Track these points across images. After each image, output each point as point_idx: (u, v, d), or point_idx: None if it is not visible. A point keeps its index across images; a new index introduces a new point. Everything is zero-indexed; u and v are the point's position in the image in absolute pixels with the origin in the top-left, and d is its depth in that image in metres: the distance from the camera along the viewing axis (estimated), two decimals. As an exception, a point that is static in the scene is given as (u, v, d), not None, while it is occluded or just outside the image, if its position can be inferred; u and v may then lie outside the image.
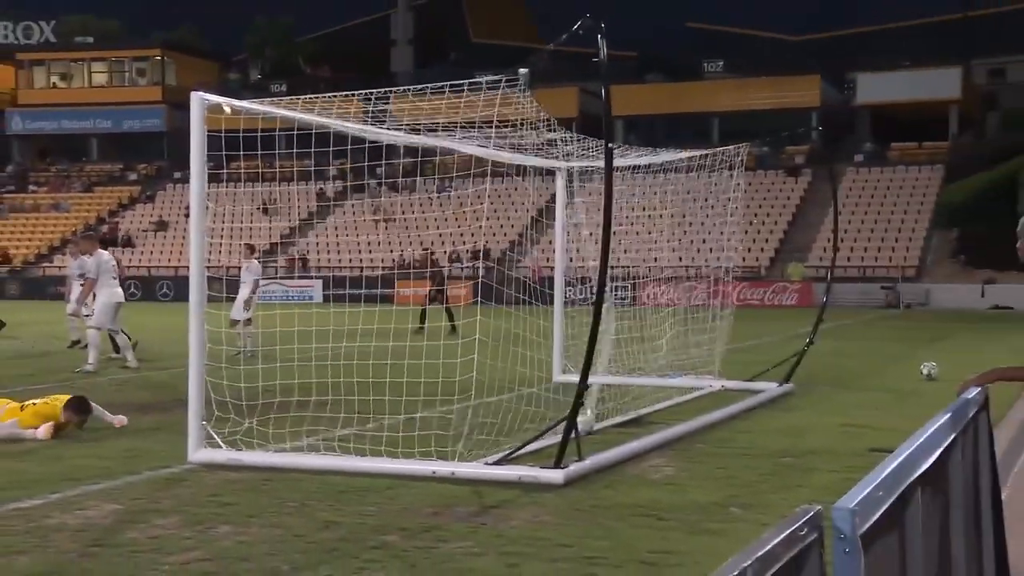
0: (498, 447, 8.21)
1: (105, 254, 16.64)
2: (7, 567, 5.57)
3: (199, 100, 8.54)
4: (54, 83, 66.32)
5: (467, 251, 23.58)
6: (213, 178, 8.73)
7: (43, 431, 9.47)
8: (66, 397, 9.97)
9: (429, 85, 9.26)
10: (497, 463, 7.81)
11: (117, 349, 16.95)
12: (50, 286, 44.08)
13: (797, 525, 2.56)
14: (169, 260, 49.06)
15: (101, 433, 9.81)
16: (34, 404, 9.80)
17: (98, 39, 69.32)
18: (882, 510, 2.75)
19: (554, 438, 8.08)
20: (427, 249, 24.57)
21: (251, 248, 18.34)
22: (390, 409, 10.07)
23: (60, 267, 39.90)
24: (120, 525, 6.48)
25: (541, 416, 9.32)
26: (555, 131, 10.92)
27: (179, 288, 42.69)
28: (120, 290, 16.43)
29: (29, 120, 65.28)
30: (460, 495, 7.23)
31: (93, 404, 10.08)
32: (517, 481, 7.49)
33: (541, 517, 6.66)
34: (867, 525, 2.63)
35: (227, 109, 8.90)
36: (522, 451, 7.96)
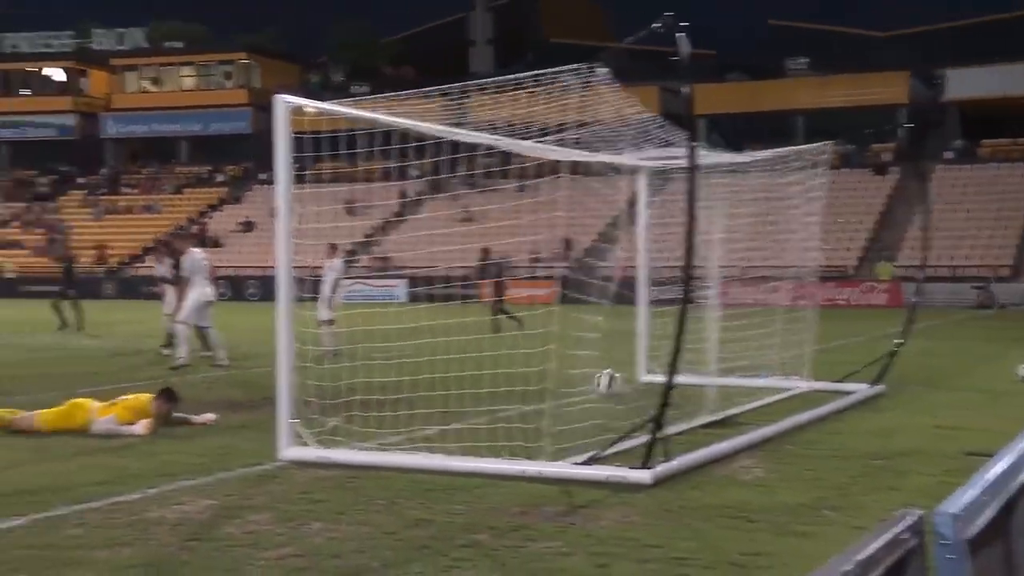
0: (585, 447, 8.21)
1: (198, 253, 17.05)
2: (112, 558, 5.74)
3: (282, 103, 8.69)
4: (145, 87, 67.99)
5: (547, 250, 23.60)
6: (298, 179, 8.87)
7: (141, 427, 9.73)
8: (148, 395, 10.22)
9: (510, 77, 9.30)
10: (585, 463, 7.81)
11: (208, 347, 17.31)
12: (143, 286, 45.15)
13: (899, 529, 2.51)
14: (256, 260, 49.88)
15: (194, 430, 10.04)
16: (122, 400, 10.07)
17: (186, 44, 70.84)
18: (987, 516, 2.69)
19: (641, 439, 8.06)
20: (485, 249, 24.50)
21: (333, 247, 18.54)
22: (475, 407, 10.13)
23: (152, 268, 40.81)
24: (216, 520, 6.63)
25: (627, 416, 9.29)
26: (645, 119, 10.85)
27: (266, 288, 43.38)
28: (210, 289, 16.80)
29: (122, 124, 67.00)
30: (548, 494, 7.25)
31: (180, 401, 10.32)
32: (605, 481, 7.49)
33: (630, 517, 6.65)
34: (972, 531, 2.57)
35: (309, 110, 9.05)
36: (609, 451, 7.96)
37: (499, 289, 22.76)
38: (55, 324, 24.75)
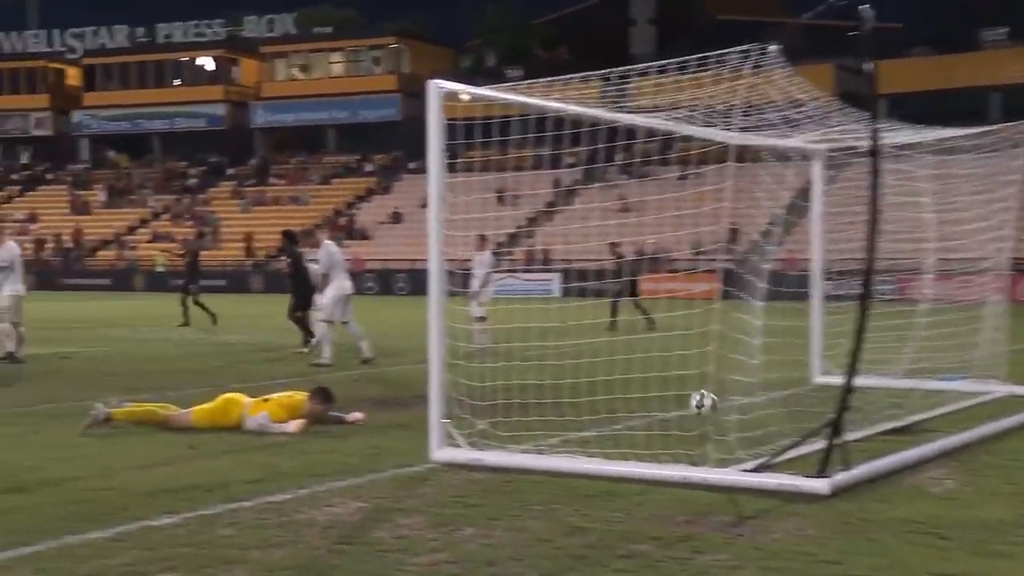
0: (754, 453, 8.07)
1: (333, 245, 17.38)
2: (264, 559, 5.94)
3: (436, 88, 8.78)
4: (294, 75, 69.99)
5: (711, 243, 23.29)
6: (449, 167, 8.97)
7: (294, 426, 10.04)
8: (301, 393, 10.52)
9: (674, 60, 9.19)
10: (754, 470, 7.67)
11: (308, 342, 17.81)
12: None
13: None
14: (405, 253, 50.75)
15: (344, 429, 10.29)
16: (275, 398, 10.40)
17: (336, 29, 72.63)
18: None
19: (816, 445, 7.87)
20: (614, 244, 24.29)
21: (483, 239, 18.66)
22: (633, 409, 10.08)
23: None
24: (367, 523, 6.78)
25: (800, 420, 9.08)
26: (820, 100, 10.59)
27: (415, 282, 44.24)
28: (349, 283, 17.16)
29: (271, 113, 69.19)
30: (714, 503, 7.15)
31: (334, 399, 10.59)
32: (776, 490, 7.35)
33: (804, 530, 6.50)
34: None
35: (463, 96, 9.12)
36: (781, 458, 7.80)
37: (633, 287, 22.56)
38: (206, 319, 25.62)
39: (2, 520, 6.82)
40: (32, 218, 62.27)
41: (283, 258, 19.96)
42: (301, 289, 18.98)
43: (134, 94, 70.66)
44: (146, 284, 52.16)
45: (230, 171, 66.90)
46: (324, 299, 16.87)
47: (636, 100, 10.64)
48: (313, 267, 17.86)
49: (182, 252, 30.61)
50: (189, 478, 8.04)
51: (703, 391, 10.74)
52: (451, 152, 9.03)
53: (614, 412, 9.87)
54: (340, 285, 16.86)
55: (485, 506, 7.17)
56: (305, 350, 17.96)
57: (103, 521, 6.75)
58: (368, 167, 64.30)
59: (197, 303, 25.82)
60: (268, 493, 7.52)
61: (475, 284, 17.85)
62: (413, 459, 8.70)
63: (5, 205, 65.96)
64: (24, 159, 73.40)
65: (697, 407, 10.65)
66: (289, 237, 20.07)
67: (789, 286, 11.81)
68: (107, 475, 8.19)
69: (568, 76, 10.20)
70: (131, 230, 60.81)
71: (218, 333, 23.42)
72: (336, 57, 69.52)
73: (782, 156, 12.96)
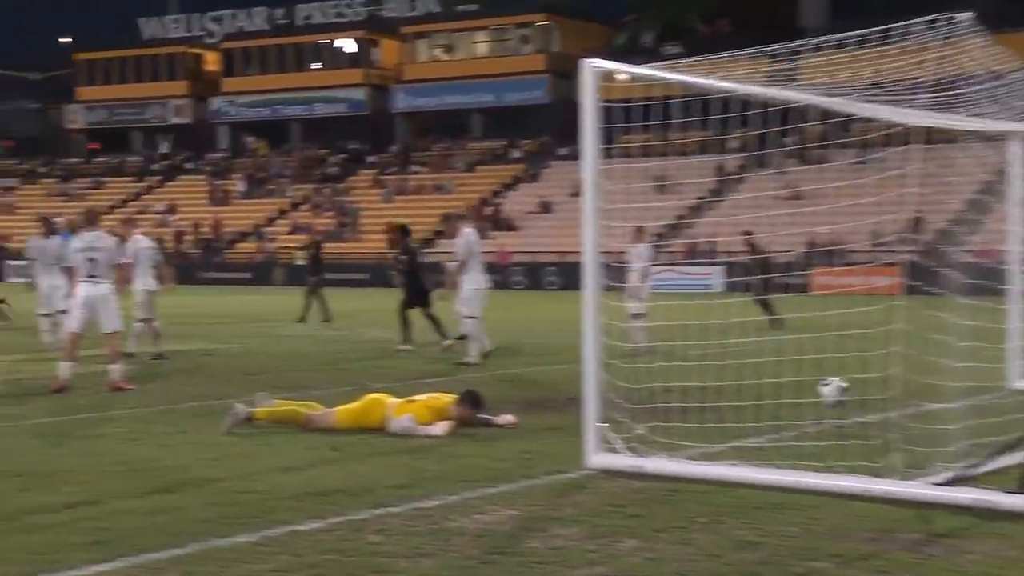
0: (945, 465, 7.84)
1: (473, 234, 17.49)
2: (413, 568, 6.07)
3: (590, 68, 8.78)
4: (436, 56, 70.80)
5: (892, 232, 22.73)
6: (604, 153, 8.97)
7: (441, 428, 10.19)
8: (448, 395, 10.66)
9: (852, 34, 8.99)
10: (946, 484, 7.47)
11: (441, 333, 17.99)
12: (433, 273, 47.25)
13: None
14: (555, 245, 50.89)
15: (494, 432, 10.40)
16: (421, 399, 10.58)
17: (480, 6, 73.12)
18: None
19: (1016, 457, 7.61)
20: (747, 232, 23.75)
21: (639, 230, 18.58)
22: (805, 414, 9.93)
23: (442, 253, 42.59)
24: (520, 532, 6.85)
25: (997, 430, 8.78)
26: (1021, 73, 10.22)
27: (566, 275, 44.33)
28: (484, 277, 17.32)
29: (412, 97, 70.15)
30: (901, 519, 6.99)
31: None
32: (971, 506, 7.14)
33: (1004, 552, 6.30)
34: None
35: (620, 76, 9.10)
36: (976, 470, 7.57)
37: (766, 284, 22.11)
38: (320, 314, 26.18)
39: (151, 520, 7.14)
40: (171, 209, 64.63)
41: (397, 254, 20.19)
42: (413, 286, 19.33)
43: (272, 79, 72.53)
44: (286, 278, 53.61)
45: (370, 159, 68.13)
46: (463, 295, 16.96)
47: (808, 78, 10.45)
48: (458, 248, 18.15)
49: (304, 244, 31.30)
50: (334, 481, 8.25)
51: (833, 378, 10.56)
52: (606, 136, 9.03)
53: (783, 418, 9.72)
54: (478, 279, 17.00)
55: (646, 516, 7.16)
56: (447, 341, 18.34)
57: (248, 524, 6.99)
58: (515, 153, 64.72)
59: (314, 295, 26.34)
60: (416, 499, 7.67)
61: (634, 279, 17.75)
62: (567, 465, 8.75)
63: (145, 196, 68.66)
64: (163, 148, 76.30)
65: (828, 396, 10.50)
66: (402, 231, 20.42)
67: (983, 279, 11.44)
68: (251, 477, 8.47)
69: (734, 52, 10.06)
70: (270, 221, 62.51)
71: (361, 330, 23.91)
72: (481, 36, 70.01)
73: (975, 137, 12.53)
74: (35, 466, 8.98)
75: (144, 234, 19.27)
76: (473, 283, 16.94)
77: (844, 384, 11.11)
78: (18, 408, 12.35)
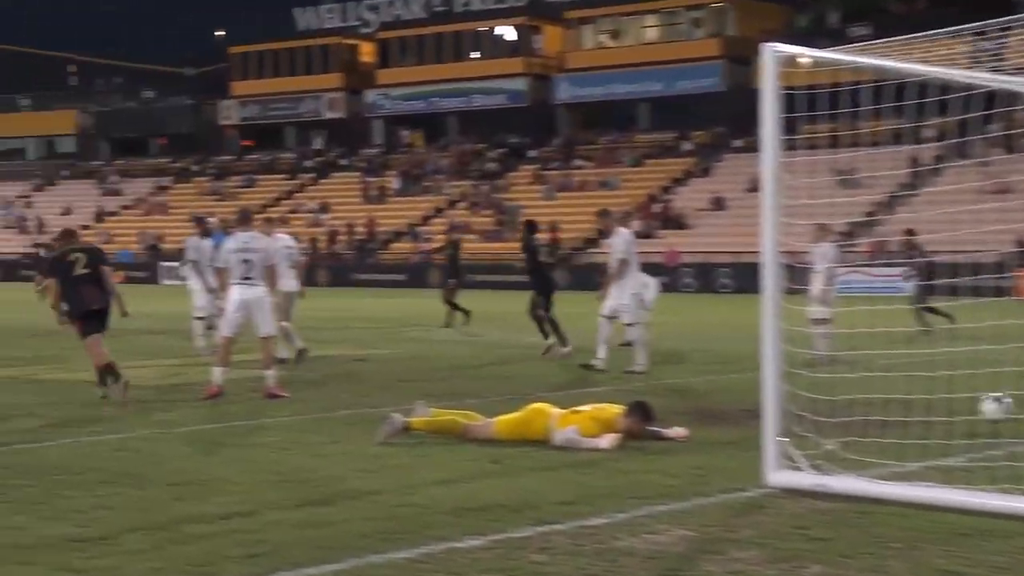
0: None
1: (630, 234, 17.39)
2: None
3: (772, 53, 8.68)
4: (602, 43, 70.71)
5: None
6: (786, 145, 8.85)
7: (607, 441, 10.19)
8: (616, 406, 10.63)
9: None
10: None
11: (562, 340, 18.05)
12: (596, 275, 47.20)
13: None
14: (729, 244, 50.33)
15: (664, 446, 10.35)
16: (586, 410, 10.58)
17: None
18: None
19: None
20: (910, 232, 22.91)
21: (822, 228, 18.26)
22: (1017, 432, 9.60)
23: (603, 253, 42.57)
24: (694, 554, 6.81)
25: None
26: None
27: (741, 277, 43.82)
28: (642, 278, 17.23)
29: (576, 86, 70.13)
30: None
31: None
32: None
33: None
34: None
35: (803, 61, 8.96)
36: None
37: (925, 287, 21.29)
38: (453, 318, 26.41)
39: (305, 534, 7.32)
40: (324, 208, 66.12)
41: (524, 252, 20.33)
42: (541, 286, 19.45)
43: (429, 69, 73.38)
44: (442, 280, 54.24)
45: (531, 153, 68.47)
46: (621, 300, 16.82)
47: (1017, 59, 10.11)
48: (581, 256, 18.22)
49: (441, 245, 31.67)
50: (495, 496, 8.33)
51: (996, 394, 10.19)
52: (788, 126, 8.91)
53: (986, 435, 9.43)
54: (635, 282, 16.84)
55: (834, 540, 7.04)
56: (565, 348, 18.53)
57: (406, 540, 7.10)
58: (686, 146, 64.25)
59: (449, 301, 26.68)
60: (582, 516, 7.68)
61: (818, 281, 17.45)
62: (745, 482, 8.67)
63: (298, 194, 70.42)
64: (317, 144, 78.09)
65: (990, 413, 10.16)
66: (529, 227, 20.48)
67: None
68: (408, 490, 8.61)
69: (931, 32, 9.79)
70: (425, 220, 63.38)
71: (524, 335, 24.04)
72: (650, 20, 69.61)
73: None
74: (188, 474, 9.31)
75: (287, 233, 19.79)
76: (631, 287, 16.85)
77: (1005, 399, 10.82)
78: (171, 414, 12.82)
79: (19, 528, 7.54)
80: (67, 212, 72.67)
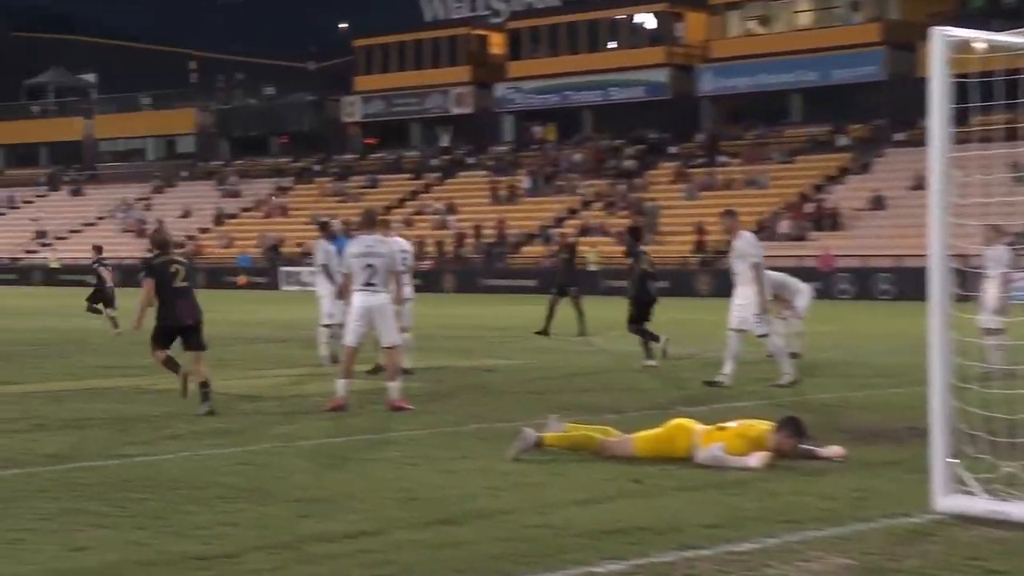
0: None
1: (751, 237, 17.12)
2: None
3: (941, 38, 8.52)
4: (750, 30, 70.03)
5: None
6: (956, 138, 8.68)
7: (757, 460, 10.09)
8: (765, 422, 10.52)
9: None
10: None
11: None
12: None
13: None
14: (889, 247, 49.49)
15: (818, 466, 10.23)
16: (733, 426, 10.49)
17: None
18: None
19: None
20: (996, 227, 21.97)
21: (996, 230, 17.82)
22: None
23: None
24: (855, 585, 6.70)
25: None
26: None
27: (904, 283, 43.04)
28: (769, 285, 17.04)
29: (722, 77, 69.50)
30: None
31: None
32: None
33: None
34: None
35: (978, 46, 8.78)
36: None
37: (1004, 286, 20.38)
38: (576, 325, 26.50)
39: (435, 555, 7.39)
40: (451, 209, 66.61)
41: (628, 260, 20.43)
42: (641, 296, 19.54)
43: (562, 61, 73.37)
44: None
45: (672, 150, 68.10)
46: (748, 311, 16.39)
47: None
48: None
49: (557, 249, 31.76)
50: (635, 518, 8.31)
51: None
52: (959, 118, 8.74)
53: None
54: (759, 289, 16.44)
55: (1012, 573, 6.91)
56: (651, 362, 18.78)
57: (541, 564, 7.13)
58: (842, 140, 63.27)
59: (576, 307, 26.87)
60: (729, 541, 7.63)
61: (990, 288, 17.04)
62: (909, 507, 8.53)
63: (423, 195, 71.12)
64: (443, 141, 78.71)
65: None
66: (633, 234, 20.32)
67: None
68: (543, 510, 8.63)
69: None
70: (558, 221, 63.42)
71: (624, 344, 23.91)
72: (803, 5, 68.70)
73: None
74: (312, 490, 9.46)
75: (404, 236, 20.03)
76: (762, 295, 16.47)
77: None
78: (293, 427, 13.05)
79: (141, 543, 7.75)
80: (186, 215, 74.60)
